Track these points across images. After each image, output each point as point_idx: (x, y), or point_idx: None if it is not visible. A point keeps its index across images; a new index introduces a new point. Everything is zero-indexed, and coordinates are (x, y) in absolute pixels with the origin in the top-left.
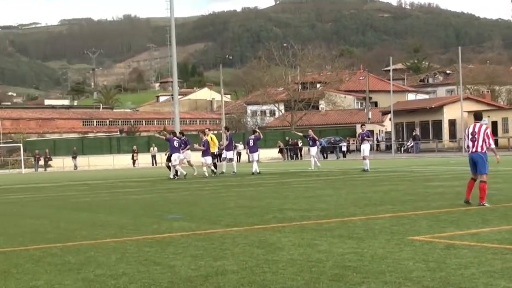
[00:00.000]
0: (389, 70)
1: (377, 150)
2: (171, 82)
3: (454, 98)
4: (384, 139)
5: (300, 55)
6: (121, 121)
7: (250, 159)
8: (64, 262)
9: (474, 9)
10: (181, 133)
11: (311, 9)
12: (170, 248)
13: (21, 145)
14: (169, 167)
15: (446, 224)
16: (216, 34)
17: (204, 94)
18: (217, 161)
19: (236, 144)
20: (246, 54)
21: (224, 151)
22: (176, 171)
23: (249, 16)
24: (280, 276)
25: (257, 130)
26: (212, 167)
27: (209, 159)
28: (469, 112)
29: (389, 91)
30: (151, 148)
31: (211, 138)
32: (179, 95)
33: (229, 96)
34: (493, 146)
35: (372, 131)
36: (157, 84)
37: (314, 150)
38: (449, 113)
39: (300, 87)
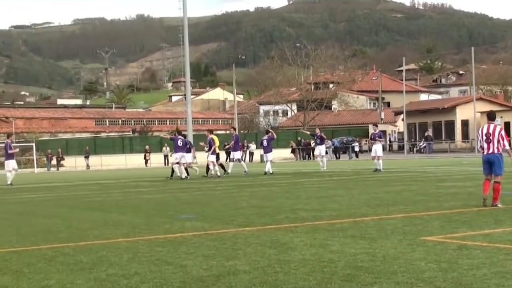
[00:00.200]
0: (402, 71)
1: (390, 151)
2: (184, 82)
3: (467, 98)
4: (396, 140)
5: (313, 55)
6: (134, 121)
7: (264, 159)
8: (76, 261)
9: (487, 9)
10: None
11: (324, 9)
12: (182, 248)
13: (33, 144)
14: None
15: (459, 225)
16: (229, 34)
17: (217, 94)
18: (226, 160)
19: (249, 145)
20: (259, 54)
21: (231, 151)
22: (173, 171)
23: (262, 16)
24: (292, 276)
25: (270, 130)
26: (211, 167)
27: (212, 158)
28: (481, 112)
29: (401, 92)
30: (164, 148)
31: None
32: (191, 95)
33: (241, 96)
34: (507, 147)
35: (384, 132)
36: (169, 84)
37: (322, 149)
38: (462, 113)
39: (312, 87)
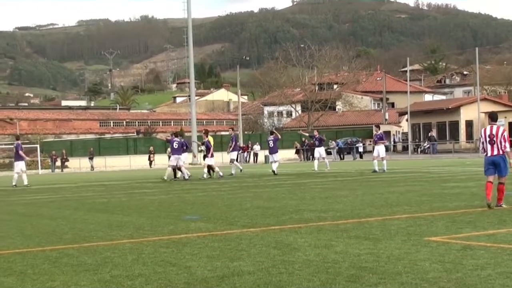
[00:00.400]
0: (406, 71)
1: (394, 151)
2: (188, 83)
3: (471, 99)
4: (401, 140)
5: (317, 56)
6: (138, 122)
7: (270, 160)
8: (80, 263)
9: (491, 10)
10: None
11: (328, 10)
12: (186, 249)
13: (38, 146)
14: (178, 169)
15: (463, 225)
16: (233, 35)
17: (221, 95)
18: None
19: (254, 146)
20: (263, 55)
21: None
22: (175, 172)
23: (266, 17)
24: (296, 277)
25: (275, 131)
26: (206, 170)
27: (210, 161)
28: (485, 113)
29: (406, 92)
30: (168, 149)
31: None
32: (196, 96)
33: (246, 97)
34: (508, 149)
35: (389, 132)
36: (174, 85)
37: (322, 150)
38: (466, 114)
39: (317, 88)
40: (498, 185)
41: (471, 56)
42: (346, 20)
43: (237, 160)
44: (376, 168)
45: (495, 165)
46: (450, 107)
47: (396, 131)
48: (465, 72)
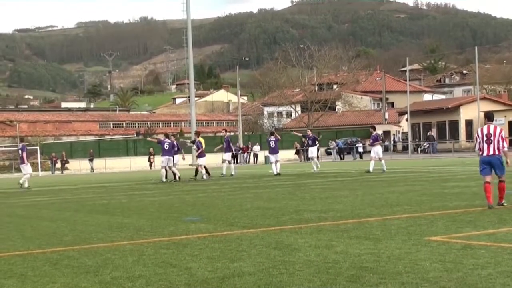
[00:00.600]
0: (405, 71)
1: (394, 151)
2: (188, 84)
3: (471, 98)
4: (400, 140)
5: (317, 56)
6: (138, 123)
7: (271, 160)
8: (81, 264)
9: (490, 9)
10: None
11: (328, 10)
12: (186, 250)
13: (38, 147)
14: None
15: (463, 224)
16: (232, 35)
17: (221, 95)
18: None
19: (254, 147)
20: (263, 55)
21: (223, 153)
22: (174, 173)
23: (266, 18)
24: (296, 278)
25: (274, 132)
26: (200, 169)
27: (201, 161)
28: (485, 112)
29: (405, 92)
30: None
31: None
32: (195, 97)
33: (245, 98)
34: (506, 149)
35: (388, 132)
36: (173, 86)
37: (314, 150)
38: (466, 113)
39: (316, 88)
40: (499, 183)
41: (471, 55)
42: (346, 20)
43: (236, 162)
44: (371, 169)
45: (491, 165)
46: (449, 107)
47: (396, 131)
48: (464, 72)
